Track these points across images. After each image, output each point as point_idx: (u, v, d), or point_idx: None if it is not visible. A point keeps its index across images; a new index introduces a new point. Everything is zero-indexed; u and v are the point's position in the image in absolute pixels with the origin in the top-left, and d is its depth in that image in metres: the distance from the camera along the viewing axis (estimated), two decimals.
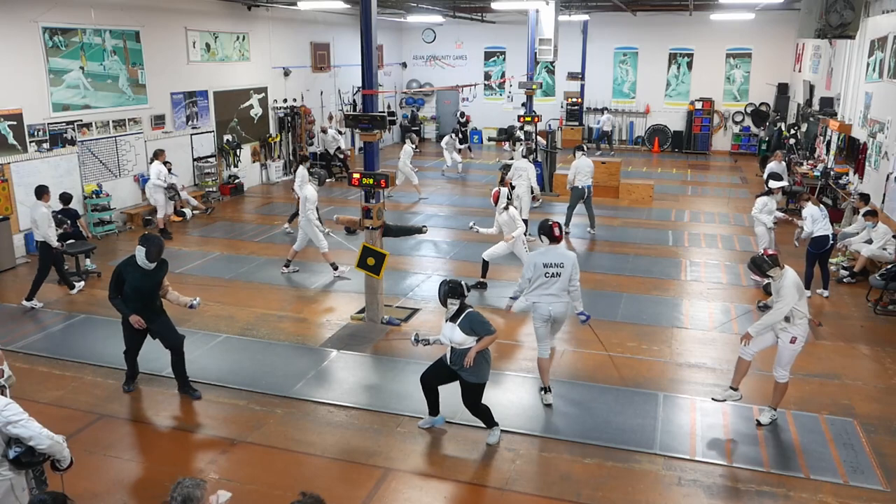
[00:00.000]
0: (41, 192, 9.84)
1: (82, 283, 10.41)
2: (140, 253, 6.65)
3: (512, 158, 17.70)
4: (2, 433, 4.04)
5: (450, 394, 6.47)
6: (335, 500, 5.26)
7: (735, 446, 6.31)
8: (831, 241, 9.87)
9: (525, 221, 12.54)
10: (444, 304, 6.08)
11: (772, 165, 13.40)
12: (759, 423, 6.61)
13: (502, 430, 6.45)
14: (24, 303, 9.67)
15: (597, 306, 9.78)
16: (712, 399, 6.84)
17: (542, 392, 7.10)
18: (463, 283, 6.14)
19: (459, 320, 6.01)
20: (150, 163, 13.41)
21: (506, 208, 10.08)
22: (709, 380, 7.59)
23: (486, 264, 10.38)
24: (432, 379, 6.39)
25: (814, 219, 9.80)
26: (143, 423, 6.73)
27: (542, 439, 6.40)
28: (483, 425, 6.38)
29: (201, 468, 5.97)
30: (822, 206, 10.13)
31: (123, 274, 6.75)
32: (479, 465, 6.07)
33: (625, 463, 6.06)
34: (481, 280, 10.42)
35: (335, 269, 10.96)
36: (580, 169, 13.09)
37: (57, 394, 7.27)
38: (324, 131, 19.43)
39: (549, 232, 6.93)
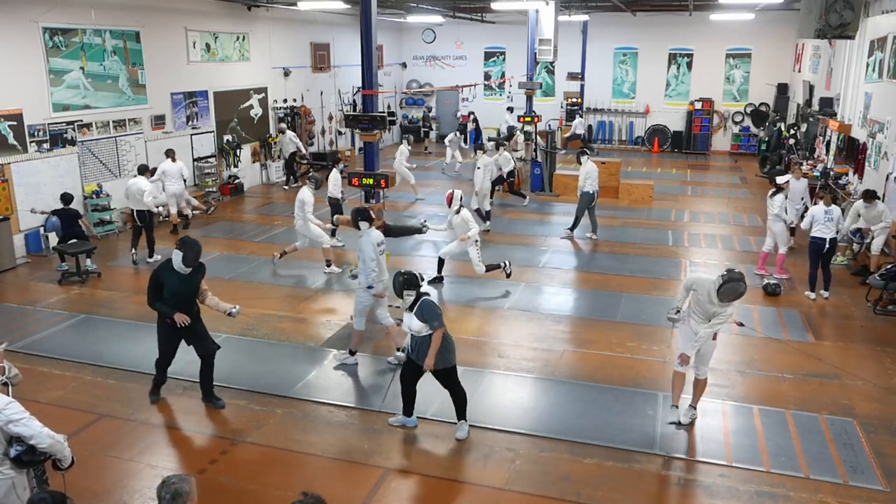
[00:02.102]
0: (144, 170, 11.78)
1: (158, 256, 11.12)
2: (177, 257, 6.53)
3: (517, 156, 17.74)
4: (3, 432, 4.05)
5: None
6: (335, 500, 5.26)
7: (735, 446, 6.31)
8: (828, 246, 9.83)
9: (488, 213, 13.62)
10: (399, 295, 6.21)
11: (793, 183, 12.16)
12: (679, 424, 6.58)
13: (502, 431, 6.46)
14: (149, 259, 11.39)
15: (597, 306, 9.81)
16: (677, 423, 6.65)
17: (350, 353, 7.92)
18: (417, 273, 6.29)
19: (415, 309, 6.15)
20: (173, 161, 13.18)
21: (457, 211, 10.28)
22: (708, 380, 7.57)
23: (441, 261, 10.63)
24: (409, 374, 6.46)
25: (814, 219, 9.87)
26: (144, 423, 6.72)
27: (542, 439, 6.40)
28: (490, 426, 6.39)
29: (201, 468, 5.97)
30: (832, 208, 9.95)
31: (161, 278, 6.63)
32: (479, 465, 6.07)
33: (625, 463, 6.06)
34: (437, 276, 10.65)
35: (328, 265, 11.14)
36: (590, 174, 13.08)
37: (57, 394, 7.27)
38: (282, 132, 18.04)
39: (367, 215, 7.82)
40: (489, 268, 10.37)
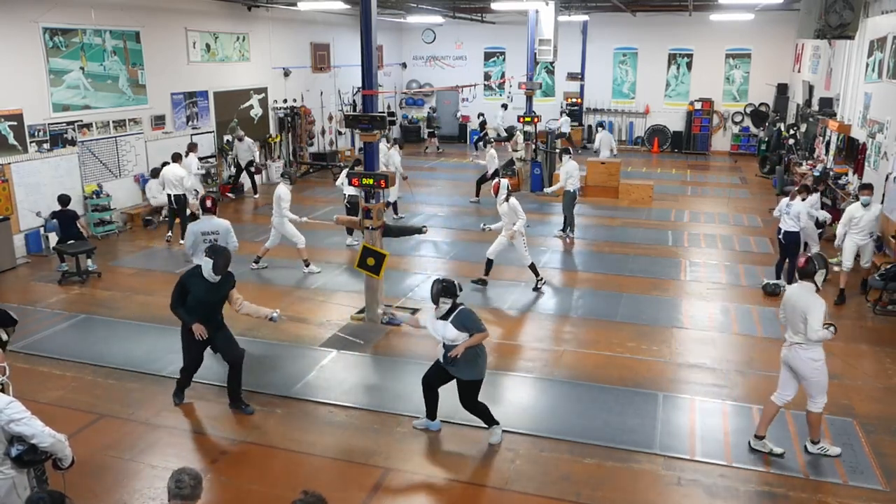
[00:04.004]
0: (178, 157, 13.02)
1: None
2: (207, 265, 6.47)
3: (517, 156, 17.72)
4: (4, 431, 4.05)
5: (451, 393, 6.47)
6: (335, 500, 5.24)
7: (735, 446, 6.31)
8: (781, 239, 10.19)
9: (394, 204, 13.81)
10: (435, 302, 6.08)
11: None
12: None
13: (503, 431, 6.45)
14: (181, 241, 11.49)
15: (597, 306, 9.82)
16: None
17: None
18: (456, 282, 6.16)
19: (451, 317, 6.03)
20: (186, 156, 13.84)
21: (506, 199, 10.14)
22: (708, 380, 7.60)
23: (490, 262, 10.40)
24: (432, 380, 6.39)
25: (780, 210, 10.34)
26: (144, 424, 6.72)
27: (542, 439, 6.40)
28: (483, 425, 6.39)
29: (202, 468, 5.97)
30: (794, 202, 10.15)
31: (188, 285, 6.57)
32: (479, 464, 6.08)
33: (625, 463, 6.06)
34: (482, 277, 10.45)
35: (307, 265, 11.12)
36: (571, 172, 13.10)
37: (57, 394, 7.27)
38: (239, 139, 16.57)
39: (203, 204, 8.40)
40: (533, 267, 10.28)
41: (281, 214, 10.85)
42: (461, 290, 6.20)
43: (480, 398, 6.30)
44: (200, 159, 15.84)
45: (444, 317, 6.06)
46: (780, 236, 10.29)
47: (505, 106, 23.63)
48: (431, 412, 6.53)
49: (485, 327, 6.11)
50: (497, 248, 10.32)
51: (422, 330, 6.30)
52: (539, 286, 10.32)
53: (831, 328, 6.06)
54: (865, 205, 9.73)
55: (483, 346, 6.20)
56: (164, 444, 6.45)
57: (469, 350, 6.01)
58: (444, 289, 6.02)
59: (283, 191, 10.90)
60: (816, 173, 14.92)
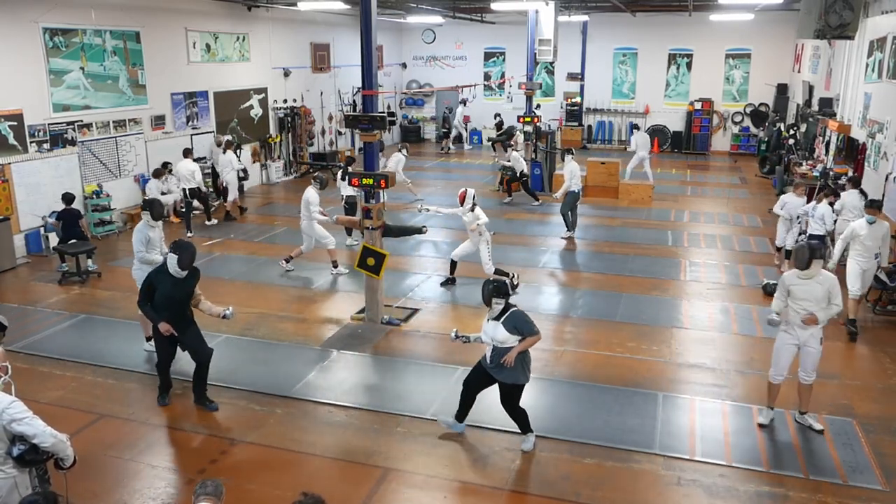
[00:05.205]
0: (188, 153, 13.59)
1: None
2: (172, 260, 6.50)
3: (510, 160, 17.72)
4: (6, 431, 4.06)
5: (450, 393, 6.48)
6: (335, 500, 5.27)
7: (734, 446, 6.32)
8: (799, 240, 10.30)
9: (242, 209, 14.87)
10: (487, 303, 5.99)
11: (793, 199, 11.25)
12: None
13: (502, 431, 6.47)
14: (189, 234, 12.91)
15: (597, 306, 9.82)
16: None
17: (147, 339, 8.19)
18: (507, 281, 6.07)
19: (503, 319, 5.95)
20: (224, 153, 14.76)
21: (472, 209, 10.12)
22: (708, 380, 7.60)
23: (454, 263, 10.52)
24: (474, 384, 6.30)
25: (787, 209, 10.93)
26: (144, 423, 6.73)
27: (542, 439, 6.40)
28: (483, 425, 6.39)
29: (201, 468, 5.98)
30: (818, 206, 10.27)
31: (155, 282, 6.61)
32: (479, 465, 6.08)
33: (624, 463, 6.07)
34: (450, 277, 10.55)
35: (335, 266, 11.08)
36: (574, 172, 13.09)
37: (57, 394, 7.28)
38: (218, 144, 15.09)
39: (145, 206, 8.40)
40: (498, 272, 10.22)
41: (310, 217, 10.79)
42: (513, 289, 6.14)
43: (479, 397, 6.30)
44: (200, 159, 15.91)
45: (496, 318, 5.98)
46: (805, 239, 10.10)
47: (464, 101, 23.57)
48: (462, 415, 6.44)
49: (538, 330, 6.03)
50: (463, 252, 10.42)
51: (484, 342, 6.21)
52: (515, 284, 10.31)
53: (773, 315, 6.55)
54: (871, 223, 8.83)
55: (528, 352, 6.10)
56: (164, 444, 6.46)
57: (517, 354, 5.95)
58: (495, 289, 5.94)
59: (312, 194, 10.79)
60: (816, 173, 14.95)
